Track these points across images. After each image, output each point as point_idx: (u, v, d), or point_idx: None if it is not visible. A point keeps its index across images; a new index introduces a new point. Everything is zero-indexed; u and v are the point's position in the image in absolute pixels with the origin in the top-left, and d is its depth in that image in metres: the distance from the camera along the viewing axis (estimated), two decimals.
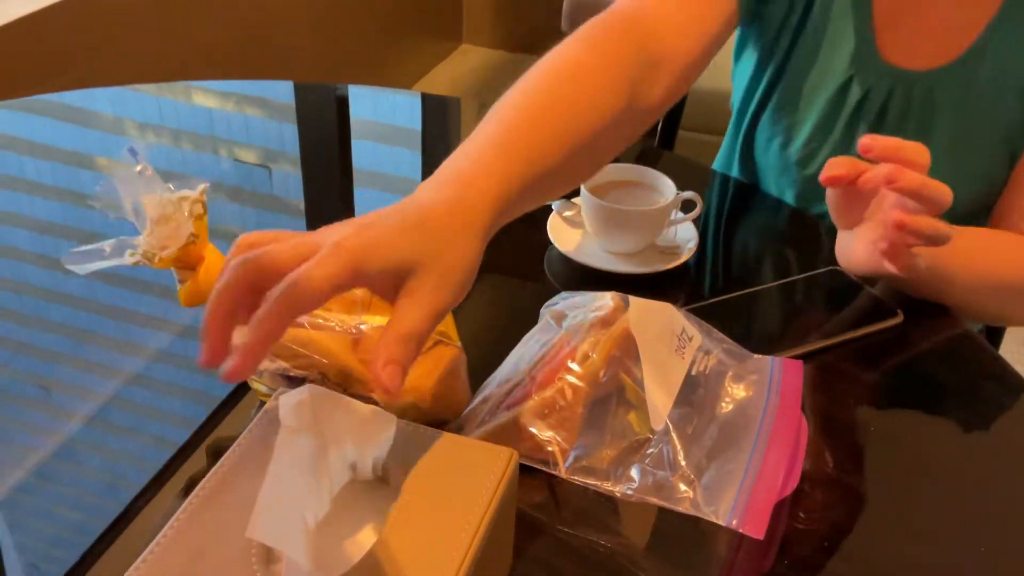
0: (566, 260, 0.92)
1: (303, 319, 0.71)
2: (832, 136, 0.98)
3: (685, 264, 0.91)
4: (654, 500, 0.66)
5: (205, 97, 1.23)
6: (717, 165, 1.18)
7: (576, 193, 0.93)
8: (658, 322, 0.75)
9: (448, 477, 0.56)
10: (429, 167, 1.11)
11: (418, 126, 1.21)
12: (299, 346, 0.70)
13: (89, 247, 0.66)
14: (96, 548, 0.63)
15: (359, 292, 0.73)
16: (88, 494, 0.68)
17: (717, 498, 0.66)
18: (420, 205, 0.55)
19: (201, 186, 0.70)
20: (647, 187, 0.94)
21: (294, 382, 0.72)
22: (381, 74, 2.87)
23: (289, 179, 1.04)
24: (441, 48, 3.20)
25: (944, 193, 0.69)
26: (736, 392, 0.75)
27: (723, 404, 0.74)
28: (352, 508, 0.50)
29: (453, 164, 0.60)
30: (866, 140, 0.69)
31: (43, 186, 0.84)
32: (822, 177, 0.73)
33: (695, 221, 0.95)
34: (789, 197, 1.05)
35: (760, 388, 0.74)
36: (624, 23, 0.80)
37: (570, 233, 0.95)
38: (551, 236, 0.93)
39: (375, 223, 0.53)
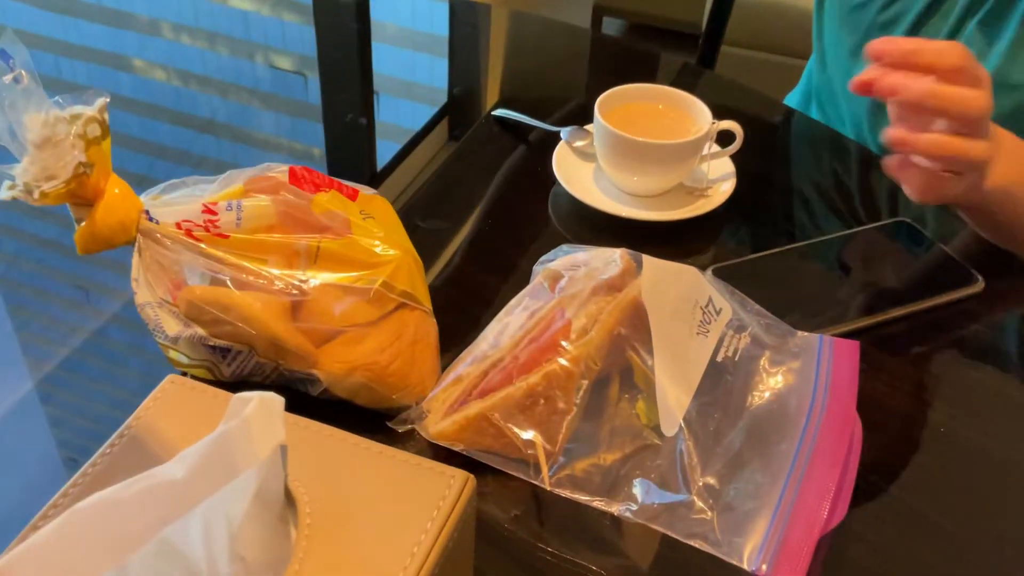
0: (574, 202, 0.76)
1: (226, 277, 0.56)
2: None
3: (718, 210, 0.75)
4: (658, 527, 0.52)
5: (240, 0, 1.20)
6: (792, 100, 1.01)
7: (590, 119, 0.77)
8: (677, 291, 0.59)
9: (380, 507, 0.42)
10: (455, 75, 0.96)
11: (445, 32, 1.12)
12: (220, 310, 0.55)
13: None
14: None
15: (304, 241, 0.58)
16: (124, 392, 0.67)
17: (742, 528, 0.51)
18: None
19: (100, 100, 0.55)
20: (677, 113, 0.78)
21: (217, 352, 0.57)
22: None
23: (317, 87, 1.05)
24: None
25: (964, 104, 0.59)
26: (773, 381, 0.59)
27: (755, 396, 0.58)
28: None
29: None
30: (877, 44, 0.61)
31: (79, 87, 0.77)
32: (851, 83, 0.62)
33: (733, 158, 0.78)
34: (846, 45, 0.89)
35: (804, 377, 0.59)
36: None
37: (581, 169, 0.79)
38: (556, 172, 0.77)
39: None
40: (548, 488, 0.54)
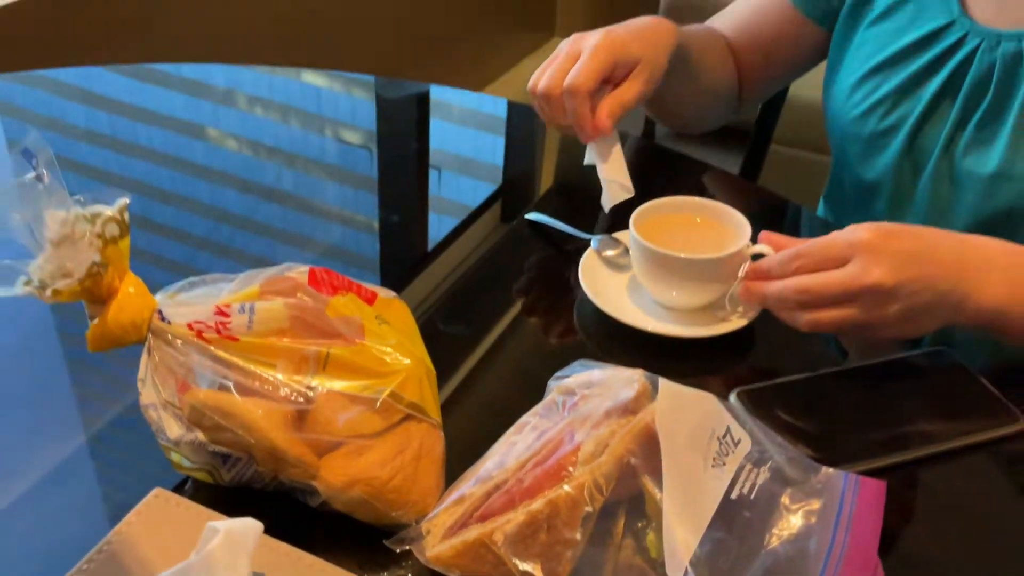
0: (599, 313, 0.74)
1: (230, 382, 0.55)
2: (892, 91, 0.86)
3: (747, 329, 0.73)
4: None
5: (314, 76, 1.27)
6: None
7: (621, 227, 0.76)
8: (694, 419, 0.57)
9: None
10: (509, 172, 1.01)
11: (502, 133, 1.16)
12: (221, 417, 0.54)
13: None
14: None
15: (314, 348, 0.57)
16: (125, 494, 0.59)
17: None
18: (640, 23, 0.84)
19: (120, 201, 0.55)
20: (717, 226, 0.76)
21: (217, 457, 0.56)
22: (468, 65, 2.72)
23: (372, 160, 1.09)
24: (532, 40, 3.02)
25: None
26: (793, 521, 0.56)
27: (773, 537, 0.55)
28: None
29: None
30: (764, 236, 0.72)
31: (155, 152, 0.78)
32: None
33: None
34: (853, 158, 0.91)
35: (825, 519, 0.56)
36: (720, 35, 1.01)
37: (610, 279, 0.78)
38: (583, 282, 0.76)
39: (615, 30, 0.81)
40: None
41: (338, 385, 0.57)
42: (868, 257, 0.64)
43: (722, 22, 1.01)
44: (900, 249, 0.65)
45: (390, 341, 0.60)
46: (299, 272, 0.62)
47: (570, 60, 0.80)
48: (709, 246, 0.72)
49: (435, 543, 0.54)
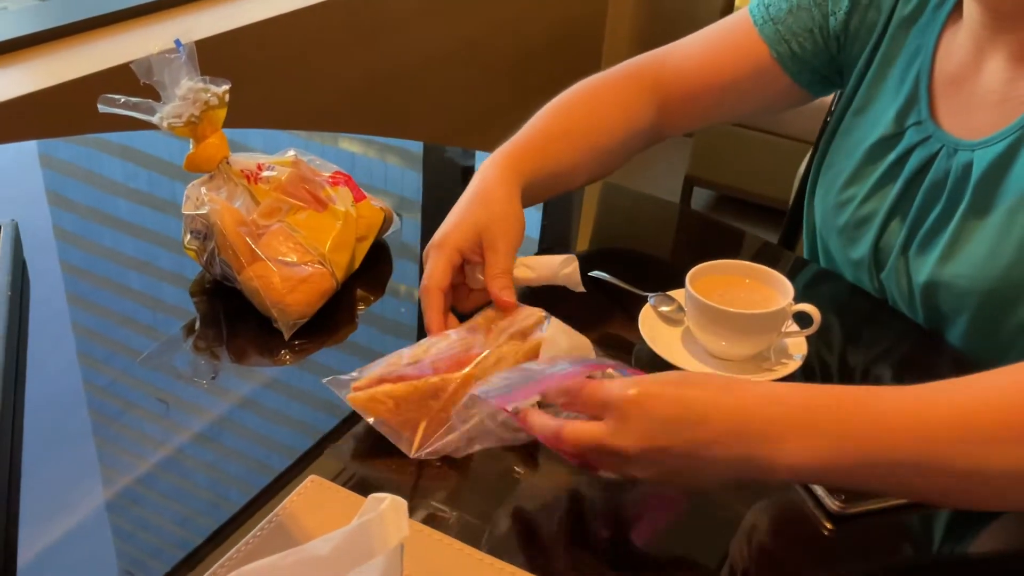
0: (655, 361, 0.83)
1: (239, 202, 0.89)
2: (865, 186, 0.94)
3: (788, 379, 0.81)
4: None
5: (350, 143, 1.31)
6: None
7: (675, 286, 0.84)
8: (572, 345, 0.76)
9: None
10: (547, 232, 1.08)
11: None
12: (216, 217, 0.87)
13: (125, 98, 0.82)
14: (191, 560, 0.62)
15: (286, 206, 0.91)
16: (190, 511, 0.68)
17: None
18: (482, 187, 0.88)
19: (224, 85, 0.86)
20: (764, 288, 0.85)
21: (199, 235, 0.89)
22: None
23: (415, 227, 1.11)
24: None
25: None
26: None
27: None
28: None
29: (505, 153, 0.93)
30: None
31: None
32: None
33: (811, 336, 0.84)
34: (833, 246, 0.99)
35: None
36: (637, 71, 1.03)
37: (665, 331, 0.86)
38: (642, 333, 0.84)
39: (450, 224, 0.85)
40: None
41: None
42: (621, 419, 0.62)
43: (676, 58, 1.02)
44: (655, 416, 0.62)
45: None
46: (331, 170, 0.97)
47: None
48: (756, 303, 0.81)
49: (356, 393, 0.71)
